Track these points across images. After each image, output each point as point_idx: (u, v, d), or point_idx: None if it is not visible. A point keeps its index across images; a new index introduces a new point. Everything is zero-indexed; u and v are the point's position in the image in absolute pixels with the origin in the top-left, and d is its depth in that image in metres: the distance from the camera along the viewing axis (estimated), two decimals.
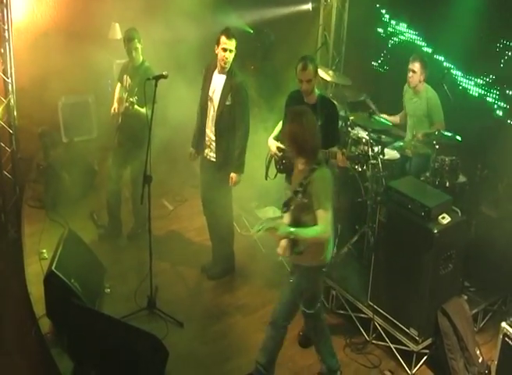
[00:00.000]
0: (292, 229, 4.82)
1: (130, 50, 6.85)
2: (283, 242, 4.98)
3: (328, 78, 7.90)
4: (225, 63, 6.17)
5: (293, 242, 4.91)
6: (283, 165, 6.04)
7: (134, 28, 6.92)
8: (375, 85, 8.46)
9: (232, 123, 6.32)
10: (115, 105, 7.11)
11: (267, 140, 6.34)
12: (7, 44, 7.54)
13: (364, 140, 6.58)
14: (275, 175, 6.16)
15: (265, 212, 7.50)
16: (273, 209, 7.44)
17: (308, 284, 5.15)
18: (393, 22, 8.40)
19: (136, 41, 6.82)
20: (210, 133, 6.43)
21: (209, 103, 6.40)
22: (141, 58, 6.95)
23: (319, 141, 4.90)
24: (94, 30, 9.06)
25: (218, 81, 6.33)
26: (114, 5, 8.56)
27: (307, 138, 4.79)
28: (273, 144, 6.09)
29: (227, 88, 6.24)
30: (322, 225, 4.77)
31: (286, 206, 4.98)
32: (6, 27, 7.48)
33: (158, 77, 5.79)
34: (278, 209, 7.05)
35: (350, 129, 6.89)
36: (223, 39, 6.09)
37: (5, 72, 7.61)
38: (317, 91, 5.93)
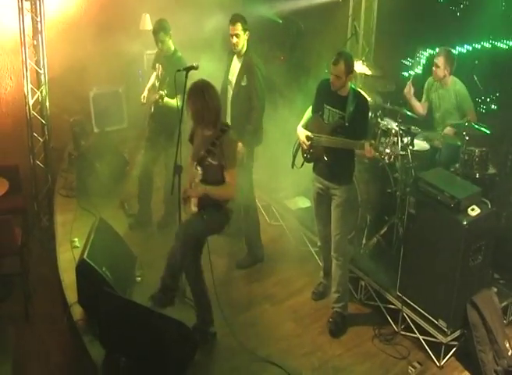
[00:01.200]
0: (207, 187, 5.32)
1: (157, 42, 6.93)
2: (195, 200, 5.44)
3: (358, 69, 7.83)
4: (235, 48, 6.44)
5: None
6: (311, 154, 6.01)
7: (162, 19, 6.94)
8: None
9: (248, 104, 6.47)
10: (145, 93, 7.19)
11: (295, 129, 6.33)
12: (40, 35, 7.65)
13: (393, 131, 6.55)
14: (302, 164, 6.12)
15: (294, 202, 7.52)
16: (302, 199, 7.48)
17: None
18: None
19: (162, 33, 6.85)
20: (228, 114, 6.58)
21: (228, 87, 6.64)
22: (173, 48, 7.00)
23: (220, 111, 5.44)
24: (125, 20, 9.09)
25: (236, 65, 6.58)
26: None
27: (210, 110, 5.27)
28: (302, 133, 6.05)
29: (242, 70, 6.47)
30: (232, 184, 5.35)
31: (200, 165, 5.36)
32: (39, 19, 7.59)
33: (188, 69, 5.74)
34: (307, 199, 7.30)
35: (379, 120, 6.84)
36: (230, 26, 6.40)
37: (37, 63, 7.73)
38: (350, 84, 5.80)
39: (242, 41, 6.42)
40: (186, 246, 5.43)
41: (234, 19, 6.40)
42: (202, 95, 5.24)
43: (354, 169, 5.96)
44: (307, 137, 5.97)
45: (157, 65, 7.18)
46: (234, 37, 6.39)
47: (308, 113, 6.07)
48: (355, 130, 5.58)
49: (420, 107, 7.31)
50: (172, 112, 6.44)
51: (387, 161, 5.64)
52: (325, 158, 5.78)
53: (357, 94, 5.77)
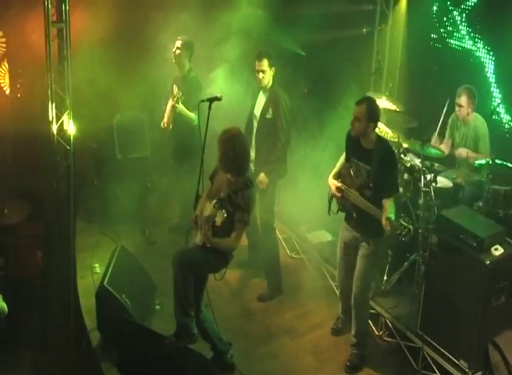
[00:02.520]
0: (215, 240, 5.26)
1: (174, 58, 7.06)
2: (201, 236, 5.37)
3: (381, 104, 7.85)
4: (261, 83, 6.55)
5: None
6: (342, 205, 5.92)
7: (187, 38, 7.12)
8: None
9: (273, 136, 6.55)
10: (165, 119, 7.29)
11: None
12: (65, 61, 7.70)
13: (416, 167, 6.56)
14: (338, 210, 6.01)
15: (316, 236, 7.52)
16: (324, 233, 7.49)
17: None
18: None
19: (181, 48, 7.02)
20: (252, 148, 6.62)
21: (254, 121, 6.74)
22: (188, 67, 7.13)
23: (249, 164, 5.53)
24: (152, 48, 9.17)
25: (261, 99, 6.70)
26: (173, 23, 8.65)
27: (239, 156, 5.29)
28: (332, 184, 5.89)
29: (268, 103, 6.59)
30: (237, 240, 5.31)
31: (218, 204, 5.29)
32: (65, 46, 7.66)
33: (212, 99, 5.69)
34: (329, 233, 7.34)
35: (402, 156, 6.86)
36: (255, 62, 6.51)
37: (62, 88, 7.78)
38: (374, 136, 5.65)
39: (268, 76, 6.53)
40: (184, 271, 5.34)
41: (261, 56, 6.50)
42: (233, 141, 5.28)
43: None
44: (338, 189, 5.82)
45: (174, 86, 7.28)
46: (260, 72, 6.50)
47: (341, 160, 5.96)
48: (381, 189, 5.51)
49: (444, 147, 7.27)
50: (189, 130, 6.65)
51: (403, 238, 5.59)
52: (354, 214, 5.73)
53: (382, 147, 5.60)
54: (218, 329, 5.69)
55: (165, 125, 7.31)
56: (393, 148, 6.05)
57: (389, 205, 5.44)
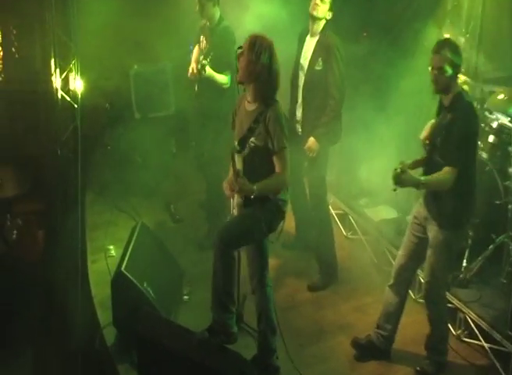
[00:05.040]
0: (255, 187, 5.07)
1: (198, 6, 6.96)
2: (239, 198, 5.33)
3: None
4: (314, 9, 6.39)
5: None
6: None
7: None
8: None
9: (324, 92, 6.47)
10: (193, 64, 7.13)
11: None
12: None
13: (505, 128, 6.49)
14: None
15: (377, 212, 7.49)
16: (387, 209, 7.45)
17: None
18: None
19: None
20: (299, 106, 6.63)
21: (300, 72, 6.65)
22: (218, 16, 7.01)
23: (277, 82, 5.22)
24: None
25: (309, 46, 6.59)
26: None
27: (271, 75, 5.13)
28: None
29: (318, 51, 6.48)
30: (284, 172, 5.17)
31: (241, 145, 5.24)
32: None
33: None
34: (393, 209, 7.30)
35: (487, 113, 6.73)
36: None
37: (66, 32, 7.75)
38: (457, 90, 5.34)
39: (324, 8, 6.38)
40: (226, 255, 5.25)
41: None
42: (264, 53, 5.08)
43: (469, 214, 5.55)
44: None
45: (201, 37, 7.22)
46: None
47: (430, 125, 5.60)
48: (445, 155, 5.29)
49: None
50: (217, 93, 6.59)
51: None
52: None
53: (459, 103, 5.30)
54: (276, 315, 5.60)
55: (194, 72, 7.04)
56: (474, 105, 5.78)
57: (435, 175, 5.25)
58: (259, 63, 5.05)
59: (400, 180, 4.99)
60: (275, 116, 5.14)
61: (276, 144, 5.13)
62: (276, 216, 5.38)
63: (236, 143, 5.28)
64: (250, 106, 5.30)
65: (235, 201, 5.41)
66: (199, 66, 6.74)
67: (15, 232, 7.54)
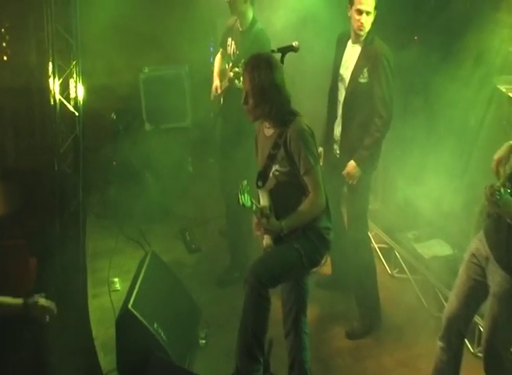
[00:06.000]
0: (283, 223, 5.05)
1: (230, 6, 6.86)
2: (268, 239, 5.23)
3: None
4: (360, 30, 6.21)
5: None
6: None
7: None
8: None
9: (368, 109, 6.30)
10: (217, 81, 7.16)
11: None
12: None
13: None
14: None
15: (428, 247, 7.31)
16: (440, 244, 7.28)
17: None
18: None
19: None
20: (338, 123, 6.51)
21: (340, 84, 6.51)
22: (251, 18, 6.90)
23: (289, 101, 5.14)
24: None
25: (351, 54, 6.41)
26: None
27: (281, 95, 5.02)
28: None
29: (362, 60, 6.29)
30: (317, 192, 5.03)
31: (261, 179, 5.21)
32: None
33: (285, 50, 5.57)
34: (447, 244, 7.23)
35: None
36: None
37: (67, 27, 7.57)
38: None
39: (370, 21, 6.16)
40: (257, 294, 5.10)
41: None
42: (271, 70, 4.98)
43: None
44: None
45: (228, 40, 7.13)
46: (364, 14, 6.09)
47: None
48: None
49: None
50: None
51: None
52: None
53: None
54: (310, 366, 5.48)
55: (217, 91, 7.14)
56: None
57: None
58: (264, 83, 4.98)
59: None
60: (297, 132, 5.01)
61: (303, 164, 4.99)
62: (319, 246, 5.23)
63: (257, 177, 5.26)
64: (268, 131, 5.24)
65: (264, 241, 5.31)
66: (232, 74, 6.67)
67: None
